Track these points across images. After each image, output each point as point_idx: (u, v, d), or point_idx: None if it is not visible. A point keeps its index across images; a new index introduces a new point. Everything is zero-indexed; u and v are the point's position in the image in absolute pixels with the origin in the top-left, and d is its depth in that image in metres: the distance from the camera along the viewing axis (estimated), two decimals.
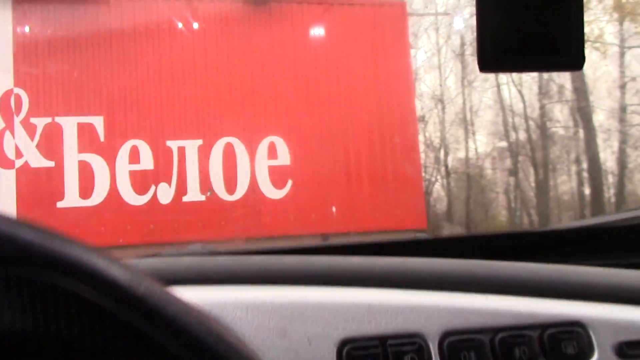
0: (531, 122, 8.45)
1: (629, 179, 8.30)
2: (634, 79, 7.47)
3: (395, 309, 0.60)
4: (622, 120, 7.59)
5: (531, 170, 8.39)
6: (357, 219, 5.76)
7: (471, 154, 9.55)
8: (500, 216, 9.57)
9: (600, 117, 7.97)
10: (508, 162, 9.08)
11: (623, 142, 7.67)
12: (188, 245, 1.11)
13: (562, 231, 1.04)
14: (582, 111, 7.38)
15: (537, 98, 8.20)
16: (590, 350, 0.60)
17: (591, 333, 0.61)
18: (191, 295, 0.59)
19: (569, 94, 7.93)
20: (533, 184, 8.50)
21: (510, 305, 0.62)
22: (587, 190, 7.96)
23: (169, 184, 5.52)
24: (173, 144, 5.19)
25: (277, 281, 0.63)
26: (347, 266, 0.63)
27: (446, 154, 9.47)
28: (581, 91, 7.32)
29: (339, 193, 5.81)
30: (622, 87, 7.61)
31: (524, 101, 8.17)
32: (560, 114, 8.36)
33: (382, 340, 0.59)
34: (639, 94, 7.50)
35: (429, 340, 0.59)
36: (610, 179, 8.25)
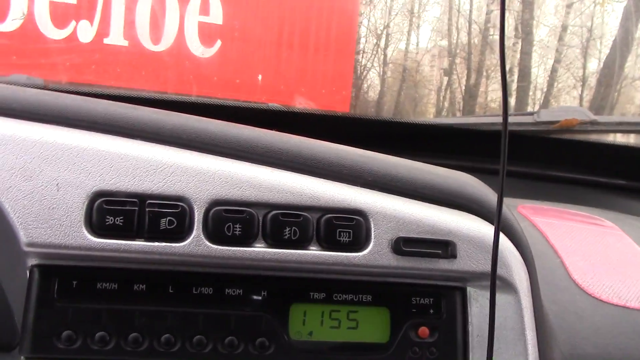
0: (475, 26, 8.39)
1: (556, 99, 8.47)
2: None
3: (162, 167, 0.55)
4: (560, 39, 7.62)
5: (465, 73, 8.43)
6: (281, 92, 5.67)
7: (412, 47, 9.48)
8: (428, 113, 9.69)
9: (542, 33, 7.97)
10: (445, 62, 9.08)
11: (557, 61, 7.75)
12: (10, 75, 1.02)
13: (419, 125, 1.01)
14: (525, 23, 7.33)
15: (486, 2, 8.10)
16: (366, 242, 0.58)
17: (371, 224, 0.58)
18: None
19: (517, 4, 7.86)
20: (464, 87, 8.58)
21: (291, 182, 0.58)
22: (513, 102, 8.09)
23: (91, 22, 5.24)
24: None
25: (37, 118, 0.57)
26: (117, 113, 0.57)
27: (387, 43, 9.38)
28: (528, 3, 7.25)
29: (267, 63, 5.67)
30: (569, 6, 7.56)
31: (471, 3, 8.05)
32: (505, 23, 8.27)
33: (141, 199, 0.54)
34: (582, 16, 7.50)
35: (195, 206, 0.55)
36: (538, 95, 8.41)
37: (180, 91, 5.39)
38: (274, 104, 0.97)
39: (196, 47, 5.61)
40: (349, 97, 6.44)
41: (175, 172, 0.55)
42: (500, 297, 0.60)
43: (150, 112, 0.60)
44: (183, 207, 0.54)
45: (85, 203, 0.53)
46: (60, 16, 5.15)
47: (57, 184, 0.53)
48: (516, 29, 7.94)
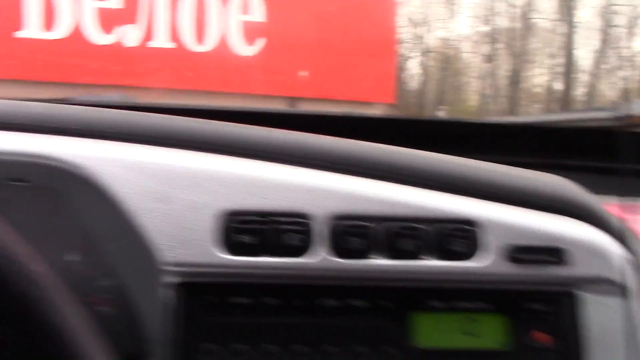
0: (516, 10, 8.25)
1: (601, 79, 8.27)
2: None
3: (284, 186, 0.58)
4: (605, 20, 7.46)
5: (506, 59, 8.31)
6: (325, 86, 5.71)
7: (452, 34, 9.37)
8: (470, 100, 9.58)
9: (586, 14, 7.80)
10: (486, 48, 8.95)
11: (603, 41, 7.58)
12: (107, 93, 1.06)
13: (493, 125, 1.02)
14: (568, 5, 7.20)
15: None
16: (477, 251, 0.60)
17: (482, 233, 0.60)
18: (72, 148, 0.55)
19: None
20: (506, 73, 8.45)
21: (404, 195, 0.60)
22: (557, 86, 7.95)
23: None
24: None
25: (167, 143, 0.60)
26: (240, 135, 0.60)
27: (427, 32, 9.28)
28: None
29: (309, 58, 5.71)
30: None
31: None
32: (548, 4, 8.13)
33: (266, 216, 0.57)
34: None
35: (316, 222, 0.58)
36: (584, 77, 8.22)
37: (223, 89, 5.47)
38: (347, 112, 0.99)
39: (239, 45, 5.66)
40: (393, 87, 6.44)
41: (296, 189, 0.57)
42: (612, 301, 0.61)
43: (263, 131, 0.63)
44: (305, 223, 0.56)
45: (216, 223, 0.56)
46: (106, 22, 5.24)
47: (188, 206, 0.56)
48: (559, 11, 7.78)
